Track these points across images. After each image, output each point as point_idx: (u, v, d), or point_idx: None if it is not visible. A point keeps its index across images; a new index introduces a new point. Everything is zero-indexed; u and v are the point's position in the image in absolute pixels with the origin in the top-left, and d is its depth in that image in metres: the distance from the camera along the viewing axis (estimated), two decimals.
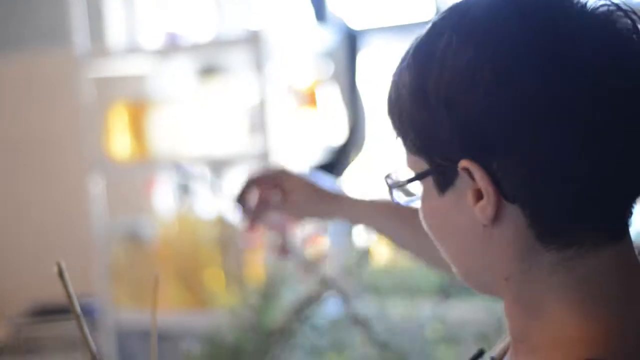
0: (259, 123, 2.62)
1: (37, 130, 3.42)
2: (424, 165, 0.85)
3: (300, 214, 1.39)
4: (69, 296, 0.91)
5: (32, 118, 3.43)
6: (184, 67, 2.91)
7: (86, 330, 0.91)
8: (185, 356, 1.86)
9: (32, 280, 3.41)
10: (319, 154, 2.77)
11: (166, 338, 2.68)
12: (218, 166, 2.80)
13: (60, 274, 0.90)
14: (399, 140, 0.88)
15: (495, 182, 0.79)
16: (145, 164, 2.78)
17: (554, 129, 0.77)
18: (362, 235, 2.72)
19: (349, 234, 2.75)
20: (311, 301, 1.87)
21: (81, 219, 3.07)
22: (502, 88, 0.78)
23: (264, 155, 2.50)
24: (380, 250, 2.41)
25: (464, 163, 0.80)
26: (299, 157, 2.68)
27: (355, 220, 1.41)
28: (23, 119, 3.45)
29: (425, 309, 2.19)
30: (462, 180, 0.81)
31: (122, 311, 2.78)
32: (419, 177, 0.86)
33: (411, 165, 0.87)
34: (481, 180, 0.80)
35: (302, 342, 1.92)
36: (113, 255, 2.83)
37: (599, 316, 0.81)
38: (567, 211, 0.80)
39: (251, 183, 1.38)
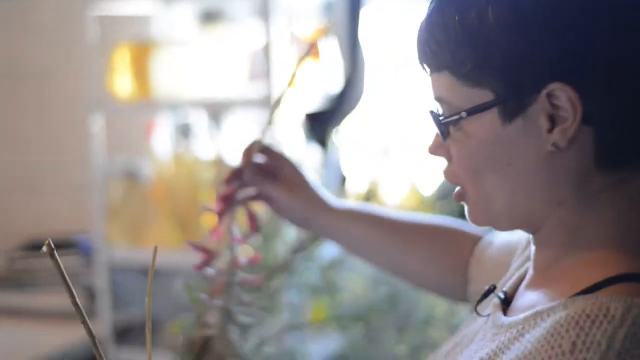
0: (260, 70, 2.66)
1: (40, 66, 3.44)
2: (484, 97, 0.90)
3: (285, 204, 1.30)
4: (62, 277, 0.82)
5: (36, 54, 3.45)
6: (188, 10, 2.94)
7: (85, 315, 0.87)
8: (185, 288, 1.92)
9: (28, 215, 3.46)
10: (316, 103, 2.82)
11: (161, 275, 2.74)
12: (218, 110, 2.85)
13: (52, 254, 0.80)
14: (449, 75, 0.92)
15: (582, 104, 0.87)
16: (146, 105, 2.81)
17: None
18: (355, 185, 2.78)
19: (342, 182, 2.81)
20: (308, 243, 1.93)
21: (80, 157, 3.11)
22: (608, 16, 0.87)
23: (265, 102, 2.54)
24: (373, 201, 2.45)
25: (554, 86, 0.86)
26: (298, 104, 2.73)
27: (331, 230, 1.33)
28: (27, 54, 3.47)
29: None
30: (537, 106, 0.88)
31: (117, 248, 2.83)
32: (487, 106, 0.90)
33: (463, 99, 0.91)
34: (570, 101, 0.87)
35: (299, 281, 1.99)
36: (110, 194, 2.87)
37: (630, 238, 0.90)
38: (631, 136, 0.90)
39: (257, 146, 1.31)
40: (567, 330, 0.82)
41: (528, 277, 0.99)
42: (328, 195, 1.33)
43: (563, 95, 0.87)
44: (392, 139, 2.89)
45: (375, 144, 2.88)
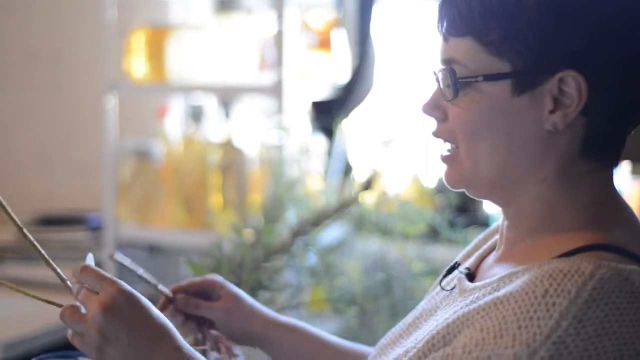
0: (270, 59, 2.73)
1: (57, 46, 3.50)
2: (501, 67, 0.98)
3: (223, 323, 1.30)
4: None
5: (53, 34, 3.51)
6: None
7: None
8: (188, 265, 2.00)
9: (40, 190, 3.53)
10: (324, 92, 2.89)
11: (166, 253, 2.82)
12: (228, 96, 2.93)
13: None
14: (472, 41, 0.99)
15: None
16: (159, 87, 2.88)
17: None
18: (360, 174, 2.85)
19: (348, 171, 2.88)
20: (309, 227, 2.01)
21: (93, 136, 3.18)
22: (635, 26, 0.96)
23: (274, 90, 2.60)
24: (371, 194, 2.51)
25: (568, 72, 0.95)
26: (306, 93, 2.80)
27: (266, 340, 1.32)
28: (45, 34, 3.53)
29: (412, 249, 2.32)
30: (546, 87, 0.97)
31: (125, 226, 2.89)
32: (503, 76, 0.98)
33: (480, 64, 0.99)
34: (579, 90, 0.96)
35: (298, 263, 2.06)
36: (120, 173, 2.93)
37: (598, 217, 1.00)
38: (618, 133, 1.00)
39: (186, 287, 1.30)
40: (541, 281, 0.91)
41: (497, 253, 1.07)
42: (264, 309, 1.32)
43: (573, 83, 0.96)
44: (397, 131, 2.96)
45: (381, 135, 2.95)
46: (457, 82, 1.00)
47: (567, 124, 0.98)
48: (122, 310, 1.05)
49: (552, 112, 0.97)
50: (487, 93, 0.99)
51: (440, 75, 1.03)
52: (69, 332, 1.10)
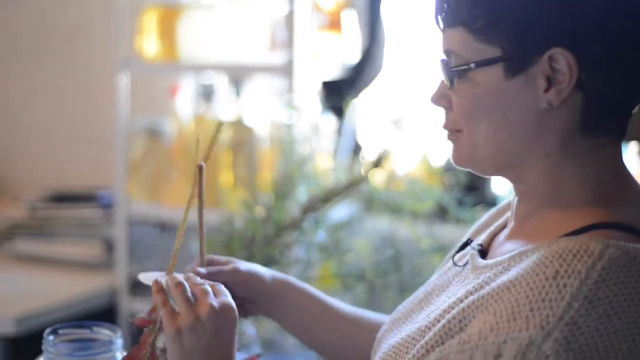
0: (281, 38, 2.75)
1: (71, 24, 3.52)
2: (492, 53, 1.01)
3: (242, 285, 1.33)
4: None
5: (67, 12, 3.53)
6: None
7: None
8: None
9: (52, 167, 3.56)
10: (334, 72, 2.91)
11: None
12: (239, 75, 2.94)
13: None
14: (463, 30, 1.02)
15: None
16: (171, 66, 2.90)
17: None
18: (369, 154, 2.87)
19: (357, 150, 2.91)
20: (319, 204, 2.04)
21: (105, 113, 3.20)
22: None
23: (285, 69, 2.62)
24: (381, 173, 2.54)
25: (555, 50, 0.98)
26: (316, 73, 2.81)
27: (279, 300, 1.36)
28: (59, 12, 3.55)
29: (420, 227, 2.34)
30: (538, 67, 0.99)
31: (135, 203, 2.92)
32: (494, 60, 1.01)
33: (473, 52, 1.02)
34: (568, 66, 0.97)
35: (310, 240, 2.09)
36: (132, 151, 2.95)
37: (606, 194, 1.02)
38: (619, 107, 1.01)
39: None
40: (551, 261, 0.93)
41: (508, 229, 1.10)
42: (275, 272, 1.37)
43: (563, 60, 0.98)
44: (406, 110, 2.98)
45: (390, 114, 2.97)
46: (451, 71, 1.04)
47: (562, 101, 0.99)
48: (226, 324, 1.12)
49: (546, 90, 1.00)
50: (483, 78, 1.02)
51: (440, 66, 1.06)
52: (161, 298, 1.14)
